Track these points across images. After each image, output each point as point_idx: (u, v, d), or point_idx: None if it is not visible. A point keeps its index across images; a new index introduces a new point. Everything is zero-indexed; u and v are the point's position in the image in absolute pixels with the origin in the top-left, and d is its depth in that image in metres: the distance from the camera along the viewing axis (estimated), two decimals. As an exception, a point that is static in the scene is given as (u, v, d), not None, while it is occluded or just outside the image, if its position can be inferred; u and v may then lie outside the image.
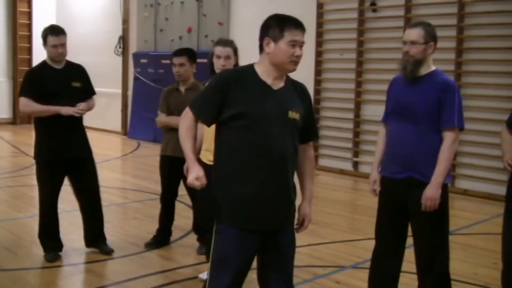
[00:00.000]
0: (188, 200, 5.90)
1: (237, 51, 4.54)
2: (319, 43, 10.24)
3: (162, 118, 5.56)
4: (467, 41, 8.57)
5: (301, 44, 2.97)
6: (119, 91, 14.48)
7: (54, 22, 12.44)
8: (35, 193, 5.40)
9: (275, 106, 2.96)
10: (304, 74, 8.43)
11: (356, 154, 9.89)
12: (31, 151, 5.24)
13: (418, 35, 3.74)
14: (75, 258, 5.33)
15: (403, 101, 3.83)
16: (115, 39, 14.37)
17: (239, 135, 2.94)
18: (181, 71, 5.44)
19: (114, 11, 14.36)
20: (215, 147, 3.10)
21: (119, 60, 14.42)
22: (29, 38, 15.79)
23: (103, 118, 14.06)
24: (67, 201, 5.92)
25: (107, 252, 5.34)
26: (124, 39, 14.32)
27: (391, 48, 9.02)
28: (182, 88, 5.52)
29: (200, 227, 5.35)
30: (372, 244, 4.11)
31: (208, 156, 4.12)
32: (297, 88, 3.11)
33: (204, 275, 4.53)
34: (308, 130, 3.16)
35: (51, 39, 5.06)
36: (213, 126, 3.10)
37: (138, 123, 13.68)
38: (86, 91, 5.31)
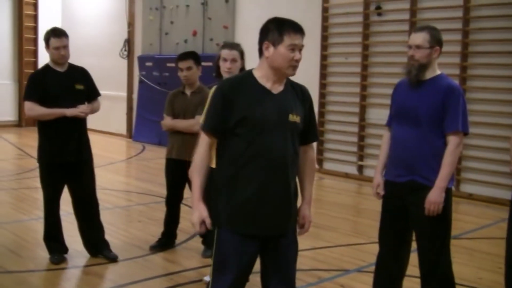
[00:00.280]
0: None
1: (243, 54, 4.55)
2: (324, 47, 10.24)
3: (167, 122, 5.57)
4: (472, 45, 8.56)
5: (300, 48, 2.95)
6: (124, 94, 14.52)
7: (59, 25, 12.51)
8: (39, 195, 5.42)
9: (275, 110, 2.96)
10: (309, 78, 8.47)
11: (361, 157, 9.88)
12: (36, 154, 5.26)
13: (423, 40, 3.74)
14: (79, 260, 5.33)
15: (407, 105, 3.83)
16: (120, 42, 14.41)
17: (240, 139, 2.94)
18: (188, 75, 5.45)
19: (119, 14, 14.40)
20: (216, 152, 3.10)
21: (124, 63, 14.45)
22: (35, 41, 15.84)
23: (108, 121, 14.10)
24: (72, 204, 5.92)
25: (112, 259, 5.32)
26: (129, 42, 14.35)
27: (396, 52, 9.02)
28: (188, 92, 5.53)
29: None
30: (376, 247, 4.11)
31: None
32: (297, 90, 3.09)
33: (208, 278, 4.53)
34: (308, 132, 3.14)
35: (53, 41, 5.07)
36: None
37: (143, 126, 13.70)
38: (89, 94, 5.32)
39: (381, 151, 4.06)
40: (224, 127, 2.96)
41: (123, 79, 14.49)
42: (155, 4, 13.57)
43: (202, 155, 3.04)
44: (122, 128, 14.62)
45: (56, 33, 5.11)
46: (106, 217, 5.95)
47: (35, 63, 15.57)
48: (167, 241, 5.72)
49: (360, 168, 9.87)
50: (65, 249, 5.37)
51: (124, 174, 10.52)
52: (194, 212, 2.99)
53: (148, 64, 13.61)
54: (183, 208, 5.83)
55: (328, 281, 4.98)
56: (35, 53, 15.87)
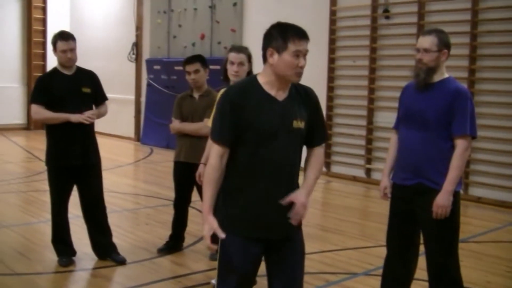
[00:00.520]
0: (201, 206, 5.90)
1: (251, 57, 4.55)
2: (331, 50, 10.24)
3: (175, 125, 5.58)
4: (480, 48, 8.53)
5: (305, 54, 2.93)
6: (132, 97, 14.56)
7: (68, 29, 12.57)
8: (48, 198, 5.43)
9: (280, 117, 2.94)
10: (316, 81, 8.47)
11: (368, 161, 9.86)
12: (44, 157, 5.28)
13: (431, 43, 3.74)
14: (87, 263, 5.34)
15: (414, 108, 3.82)
16: (128, 45, 14.46)
17: (245, 146, 2.94)
18: (197, 78, 5.46)
19: (127, 17, 14.46)
20: None
21: (132, 66, 14.50)
22: (43, 45, 15.93)
23: (116, 124, 14.15)
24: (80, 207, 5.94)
25: (120, 261, 5.33)
26: (137, 46, 14.40)
27: (404, 55, 9.01)
28: (196, 95, 5.54)
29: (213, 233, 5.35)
30: (384, 251, 4.10)
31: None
32: (301, 92, 3.05)
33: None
34: (315, 134, 3.10)
35: (60, 44, 5.09)
36: None
37: (151, 129, 13.74)
38: (96, 97, 5.33)
39: (389, 154, 4.06)
40: (234, 135, 2.93)
41: (131, 82, 14.53)
42: (163, 8, 13.61)
43: (214, 166, 2.98)
44: (130, 131, 14.65)
45: (63, 36, 5.13)
46: (114, 220, 5.97)
47: (44, 66, 15.65)
48: (174, 244, 5.73)
49: (368, 171, 9.85)
50: (73, 252, 5.38)
51: (132, 177, 10.55)
52: (204, 225, 2.98)
53: (156, 67, 13.65)
54: (191, 211, 5.83)
55: (336, 285, 4.97)
56: (43, 57, 15.95)
